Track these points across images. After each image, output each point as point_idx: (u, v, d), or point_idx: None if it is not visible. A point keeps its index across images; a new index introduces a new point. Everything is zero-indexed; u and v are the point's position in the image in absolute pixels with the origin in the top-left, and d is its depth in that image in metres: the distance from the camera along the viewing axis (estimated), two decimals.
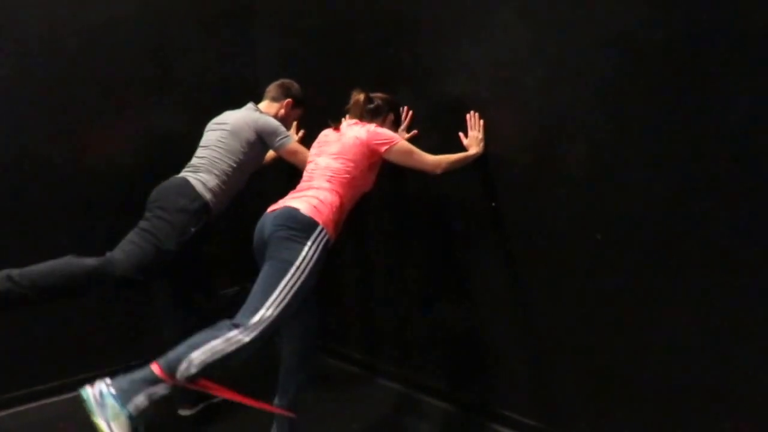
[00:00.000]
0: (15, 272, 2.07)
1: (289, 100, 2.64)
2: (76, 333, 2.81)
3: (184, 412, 2.54)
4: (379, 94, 2.34)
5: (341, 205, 2.07)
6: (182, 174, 2.43)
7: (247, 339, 1.76)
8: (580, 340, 2.08)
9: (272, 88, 2.67)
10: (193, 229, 2.32)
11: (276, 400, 2.16)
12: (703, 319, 1.76)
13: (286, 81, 2.69)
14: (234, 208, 2.64)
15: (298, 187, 2.14)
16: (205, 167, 2.43)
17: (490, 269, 2.37)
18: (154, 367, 1.73)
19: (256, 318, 1.79)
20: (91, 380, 2.75)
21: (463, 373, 2.56)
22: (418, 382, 2.75)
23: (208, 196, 2.37)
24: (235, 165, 2.44)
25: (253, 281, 1.93)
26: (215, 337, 1.75)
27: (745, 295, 1.67)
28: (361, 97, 2.26)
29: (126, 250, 2.22)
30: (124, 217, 2.86)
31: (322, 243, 1.94)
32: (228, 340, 1.75)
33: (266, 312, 1.80)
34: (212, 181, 2.40)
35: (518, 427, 2.31)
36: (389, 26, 2.70)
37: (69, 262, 2.15)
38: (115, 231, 2.88)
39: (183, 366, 1.70)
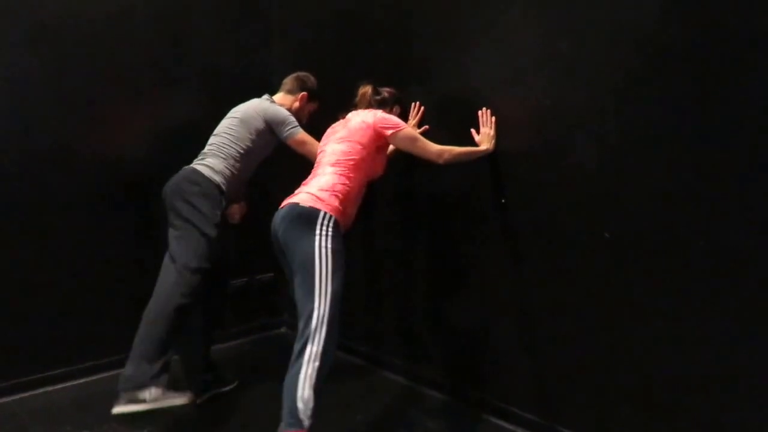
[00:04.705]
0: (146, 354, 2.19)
1: (304, 93, 2.64)
2: (82, 321, 2.82)
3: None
4: (386, 88, 2.37)
5: (347, 186, 2.08)
6: (191, 164, 2.45)
7: (322, 343, 1.86)
8: (584, 336, 2.09)
9: (288, 81, 2.68)
10: (218, 212, 2.35)
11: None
12: (708, 319, 1.77)
13: (302, 74, 2.69)
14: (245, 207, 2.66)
15: (308, 178, 2.15)
16: (213, 152, 2.46)
17: (496, 265, 2.38)
18: None
19: (314, 322, 1.86)
20: (97, 368, 2.82)
21: (466, 368, 2.58)
22: (421, 375, 2.77)
23: (217, 178, 2.39)
24: (242, 151, 2.46)
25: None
26: (302, 367, 1.84)
27: (753, 296, 1.68)
28: (368, 89, 2.31)
29: (180, 255, 2.27)
30: (138, 206, 2.90)
31: (330, 225, 1.96)
32: (310, 358, 1.84)
33: (319, 311, 1.87)
34: (219, 164, 2.42)
35: (520, 422, 2.32)
36: (402, 22, 2.69)
37: (161, 312, 2.22)
38: (130, 219, 2.91)
39: (301, 409, 1.80)
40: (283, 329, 3.64)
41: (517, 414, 2.34)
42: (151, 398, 2.13)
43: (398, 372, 2.89)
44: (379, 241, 3.00)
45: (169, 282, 2.24)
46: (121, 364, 2.88)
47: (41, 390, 2.70)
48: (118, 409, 2.14)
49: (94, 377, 2.83)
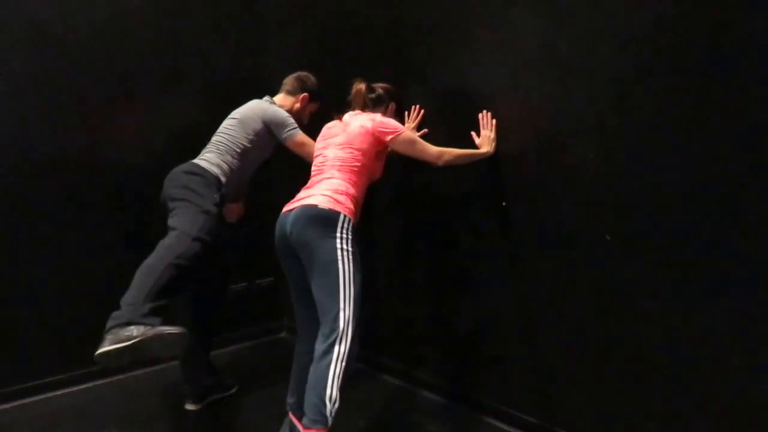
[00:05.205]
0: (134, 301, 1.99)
1: (305, 94, 2.63)
2: (81, 326, 2.81)
3: (191, 407, 2.55)
4: (380, 84, 2.34)
5: (355, 190, 2.09)
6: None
7: (348, 343, 1.88)
8: (584, 339, 2.08)
9: (289, 81, 2.67)
10: (216, 196, 2.33)
11: (288, 399, 2.16)
12: (708, 320, 1.76)
13: (303, 74, 2.68)
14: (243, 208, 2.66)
15: (310, 182, 2.14)
16: (210, 150, 2.48)
17: (496, 267, 2.38)
18: None
19: (342, 323, 1.88)
20: (97, 374, 2.81)
21: (466, 370, 2.57)
22: (421, 378, 2.76)
23: (216, 170, 2.40)
24: (239, 150, 2.46)
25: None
26: (330, 366, 1.84)
27: (754, 297, 1.67)
28: (363, 86, 2.27)
29: (180, 225, 2.19)
30: (138, 209, 2.90)
31: (349, 228, 1.97)
32: (338, 358, 1.86)
33: (345, 313, 1.90)
34: (216, 158, 2.43)
35: (520, 425, 2.32)
36: (402, 23, 2.70)
37: (154, 267, 2.08)
38: (129, 223, 2.91)
39: (328, 408, 1.82)
40: (283, 334, 3.64)
41: (517, 416, 2.34)
42: (139, 333, 1.90)
43: (398, 375, 2.88)
44: (377, 244, 2.99)
45: (166, 244, 2.14)
46: (121, 369, 2.90)
47: (41, 396, 2.69)
48: (101, 350, 1.89)
49: (94, 383, 2.83)
